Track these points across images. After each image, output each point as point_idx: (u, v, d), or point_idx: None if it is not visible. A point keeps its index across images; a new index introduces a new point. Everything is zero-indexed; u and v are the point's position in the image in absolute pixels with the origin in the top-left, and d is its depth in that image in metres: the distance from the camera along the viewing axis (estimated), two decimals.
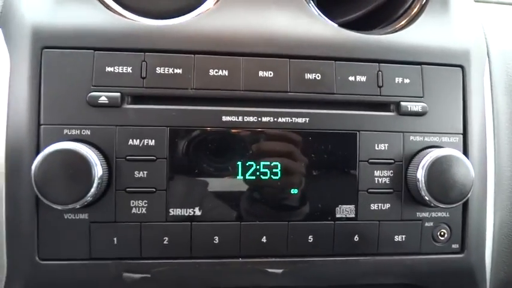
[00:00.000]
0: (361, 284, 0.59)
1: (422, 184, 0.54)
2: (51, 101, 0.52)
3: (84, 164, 0.48)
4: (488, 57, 0.64)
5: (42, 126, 0.52)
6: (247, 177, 0.55)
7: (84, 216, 0.52)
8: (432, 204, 0.54)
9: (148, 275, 0.53)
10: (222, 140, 0.54)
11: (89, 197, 0.49)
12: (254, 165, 0.55)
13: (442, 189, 0.53)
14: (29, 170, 0.49)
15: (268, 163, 0.55)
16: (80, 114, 0.52)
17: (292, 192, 0.55)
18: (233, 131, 0.54)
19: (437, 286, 0.60)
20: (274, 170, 0.55)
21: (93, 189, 0.49)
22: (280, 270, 0.55)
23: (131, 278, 0.53)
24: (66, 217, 0.52)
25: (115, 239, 0.53)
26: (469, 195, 0.54)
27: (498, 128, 0.62)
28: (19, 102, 0.52)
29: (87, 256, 0.53)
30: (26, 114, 0.52)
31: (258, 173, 0.55)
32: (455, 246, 0.58)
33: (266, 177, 0.55)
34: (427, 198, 0.54)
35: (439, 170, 0.54)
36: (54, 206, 0.49)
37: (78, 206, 0.49)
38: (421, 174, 0.54)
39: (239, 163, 0.55)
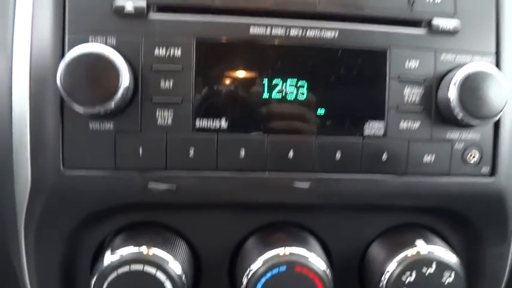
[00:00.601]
0: (390, 204, 0.58)
1: (454, 100, 0.52)
2: (76, 11, 0.51)
3: (111, 68, 0.47)
4: None
5: (67, 36, 0.51)
6: (274, 94, 0.54)
7: (109, 126, 0.51)
8: (464, 122, 0.53)
9: (174, 186, 0.52)
10: (249, 53, 0.53)
11: (113, 103, 0.48)
12: (281, 81, 0.54)
13: (474, 104, 0.52)
14: (54, 79, 0.48)
15: (296, 79, 0.54)
16: (106, 23, 0.51)
17: (319, 109, 0.54)
18: (260, 43, 0.53)
19: (466, 210, 0.58)
20: (301, 87, 0.54)
21: (118, 95, 0.48)
22: (306, 186, 0.54)
23: (156, 189, 0.52)
24: (91, 127, 0.51)
25: (140, 149, 0.52)
26: (501, 111, 0.53)
27: None
28: (44, 13, 0.51)
29: (112, 166, 0.52)
30: (51, 25, 0.51)
31: (284, 90, 0.54)
32: (485, 169, 0.57)
33: (293, 94, 0.54)
34: (459, 114, 0.52)
35: (471, 86, 0.52)
36: (79, 109, 0.48)
37: (102, 113, 0.49)
38: (453, 90, 0.52)
39: (265, 80, 0.53)
